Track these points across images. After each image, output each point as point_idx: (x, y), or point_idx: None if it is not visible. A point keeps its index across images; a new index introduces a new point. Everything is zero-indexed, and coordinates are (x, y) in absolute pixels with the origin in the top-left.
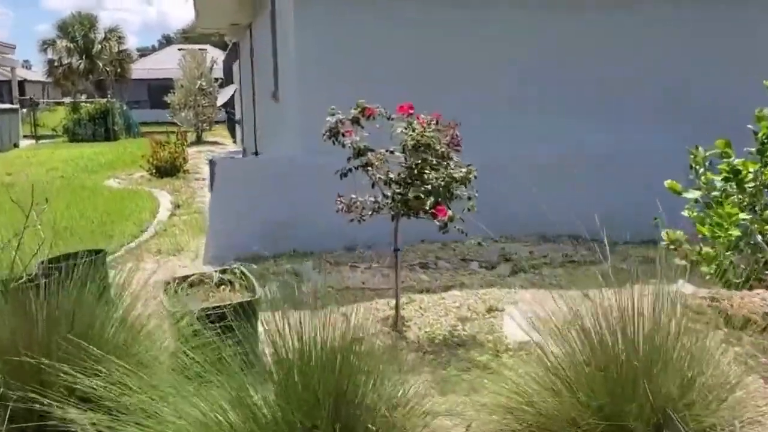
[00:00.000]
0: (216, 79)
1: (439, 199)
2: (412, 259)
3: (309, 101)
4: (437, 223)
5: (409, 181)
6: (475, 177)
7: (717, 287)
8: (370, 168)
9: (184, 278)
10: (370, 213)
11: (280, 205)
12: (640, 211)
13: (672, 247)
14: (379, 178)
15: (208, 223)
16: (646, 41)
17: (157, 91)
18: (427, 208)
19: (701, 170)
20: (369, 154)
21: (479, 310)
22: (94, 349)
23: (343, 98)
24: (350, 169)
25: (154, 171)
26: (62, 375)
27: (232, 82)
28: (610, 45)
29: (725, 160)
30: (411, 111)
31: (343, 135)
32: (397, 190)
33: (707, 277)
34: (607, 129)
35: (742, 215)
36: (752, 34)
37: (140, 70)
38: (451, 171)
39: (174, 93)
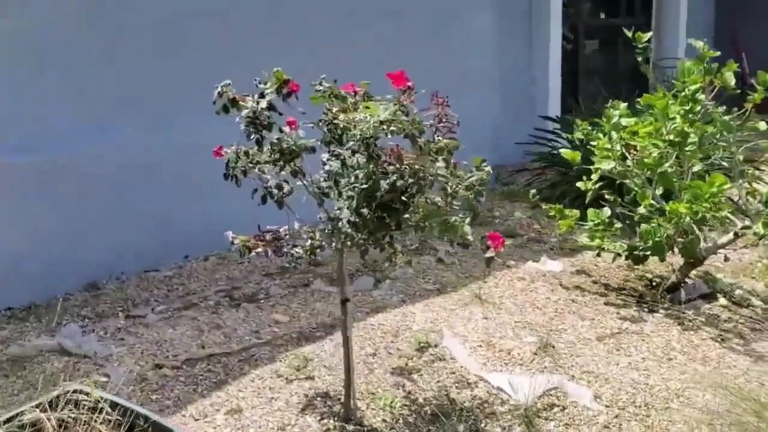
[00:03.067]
0: None
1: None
2: (204, 289)
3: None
4: (486, 258)
5: (405, 194)
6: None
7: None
8: (301, 179)
9: None
10: (308, 252)
11: None
12: None
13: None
14: (339, 192)
15: None
16: None
17: None
18: (470, 235)
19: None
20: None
21: (406, 352)
22: None
23: None
24: (280, 187)
25: None
26: None
27: None
28: None
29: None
30: (410, 85)
31: (281, 129)
32: (364, 212)
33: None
34: None
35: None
36: None
37: None
38: (465, 173)
39: None
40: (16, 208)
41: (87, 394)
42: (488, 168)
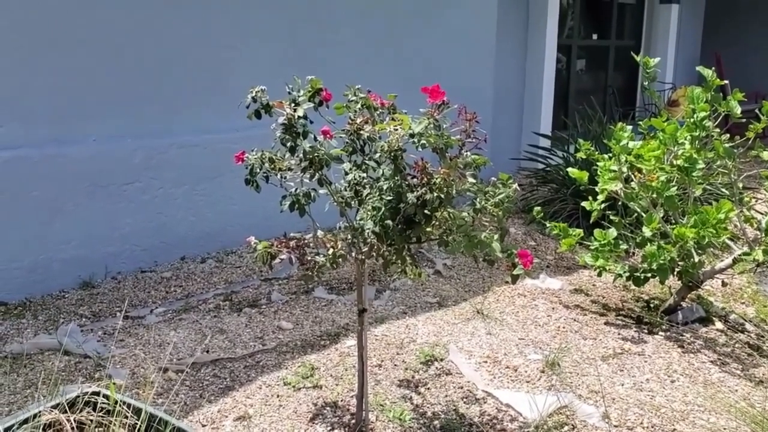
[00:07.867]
0: None
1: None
2: (203, 292)
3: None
4: (511, 278)
5: (427, 207)
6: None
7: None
8: (327, 187)
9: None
10: (331, 261)
11: None
12: None
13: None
14: (360, 202)
15: None
16: None
17: None
18: (499, 252)
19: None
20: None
21: (412, 365)
22: None
23: None
24: (309, 195)
25: None
26: None
27: None
28: None
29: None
30: (444, 99)
31: (315, 137)
32: (389, 224)
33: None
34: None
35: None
36: None
37: None
38: (492, 189)
39: None
40: (8, 204)
41: (106, 396)
42: (515, 185)
